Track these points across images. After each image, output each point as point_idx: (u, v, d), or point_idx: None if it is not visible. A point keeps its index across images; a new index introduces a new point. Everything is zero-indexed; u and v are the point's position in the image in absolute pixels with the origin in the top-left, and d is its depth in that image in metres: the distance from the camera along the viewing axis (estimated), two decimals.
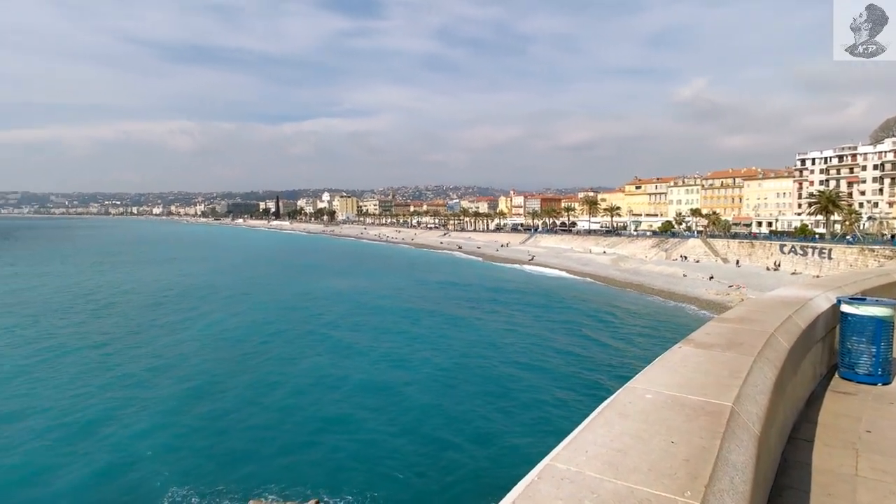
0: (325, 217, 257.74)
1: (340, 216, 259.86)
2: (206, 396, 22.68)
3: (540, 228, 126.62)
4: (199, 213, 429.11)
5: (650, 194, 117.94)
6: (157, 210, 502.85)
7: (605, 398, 2.56)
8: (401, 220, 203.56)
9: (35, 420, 19.98)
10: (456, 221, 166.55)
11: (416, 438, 18.76)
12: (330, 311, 42.79)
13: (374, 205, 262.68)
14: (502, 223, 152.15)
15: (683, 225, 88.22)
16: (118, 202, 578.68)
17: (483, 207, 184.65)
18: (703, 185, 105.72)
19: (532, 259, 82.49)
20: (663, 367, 3.18)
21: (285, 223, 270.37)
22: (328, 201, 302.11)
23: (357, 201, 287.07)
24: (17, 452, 17.50)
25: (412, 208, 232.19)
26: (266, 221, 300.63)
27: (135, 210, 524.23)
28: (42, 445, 17.97)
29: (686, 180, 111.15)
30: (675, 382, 2.85)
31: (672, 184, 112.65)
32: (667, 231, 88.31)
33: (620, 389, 2.69)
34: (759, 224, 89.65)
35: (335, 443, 18.37)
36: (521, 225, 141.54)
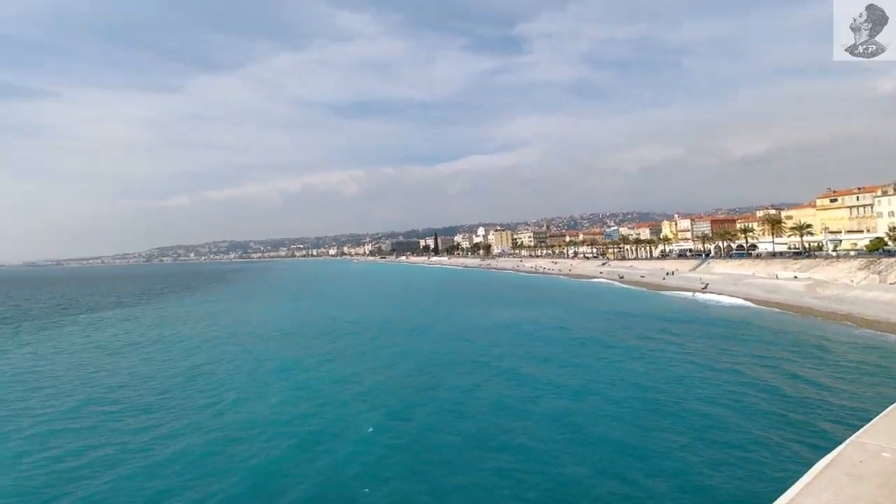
0: (481, 251, 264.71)
1: (496, 249, 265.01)
2: (401, 420, 24.46)
3: (712, 253, 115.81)
4: (367, 252, 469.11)
5: (850, 207, 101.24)
6: (332, 251, 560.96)
7: (822, 449, 2.15)
8: (556, 251, 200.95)
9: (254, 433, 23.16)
10: (616, 250, 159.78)
11: (610, 479, 18.10)
12: (499, 342, 43.59)
13: (529, 237, 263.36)
14: (667, 249, 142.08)
15: None
16: (301, 245, 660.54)
17: (644, 234, 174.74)
18: None
19: (706, 287, 75.55)
20: (891, 420, 2.70)
21: (444, 258, 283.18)
22: (483, 235, 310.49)
23: (511, 234, 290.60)
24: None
25: (567, 238, 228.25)
26: (426, 258, 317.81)
27: (314, 252, 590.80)
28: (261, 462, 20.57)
29: None
30: None
31: (879, 193, 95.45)
32: (878, 249, 74.93)
33: (846, 443, 2.21)
34: None
35: (525, 477, 18.51)
36: (690, 250, 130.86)
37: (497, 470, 18.91)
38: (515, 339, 44.64)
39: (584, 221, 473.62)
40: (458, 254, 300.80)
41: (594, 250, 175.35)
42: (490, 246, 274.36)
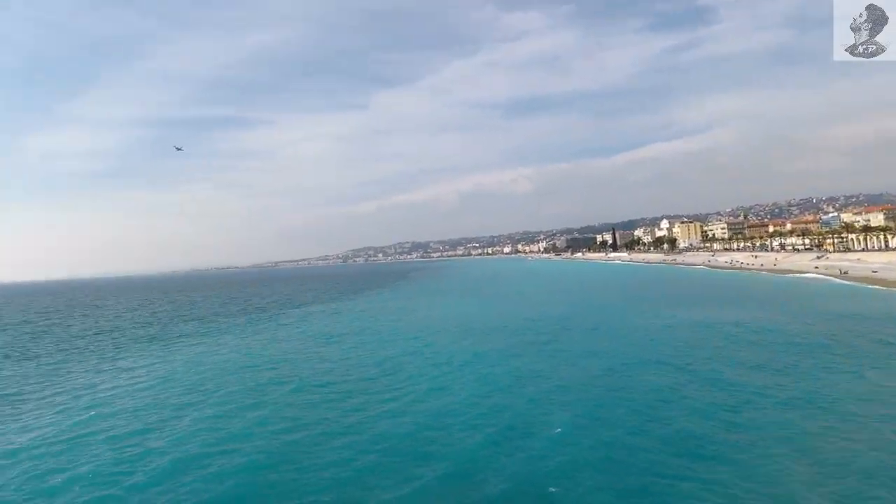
0: (665, 246, 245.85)
1: (682, 244, 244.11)
2: (591, 419, 23.75)
3: None
4: (541, 249, 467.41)
5: None
6: (506, 249, 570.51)
7: None
8: (757, 244, 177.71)
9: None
10: (837, 240, 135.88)
11: None
12: (695, 343, 39.89)
13: (722, 228, 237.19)
14: None
15: None
16: (476, 244, 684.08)
17: (877, 219, 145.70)
18: None
19: None
20: None
21: (623, 254, 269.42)
22: (667, 229, 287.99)
23: (700, 226, 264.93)
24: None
25: (771, 228, 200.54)
26: (604, 254, 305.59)
27: (489, 250, 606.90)
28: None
29: None
30: None
31: None
32: None
33: None
34: None
35: (740, 494, 16.61)
36: None
37: (701, 481, 17.24)
38: (714, 342, 40.39)
39: (793, 209, 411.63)
40: (639, 249, 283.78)
41: (806, 241, 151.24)
42: (675, 240, 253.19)
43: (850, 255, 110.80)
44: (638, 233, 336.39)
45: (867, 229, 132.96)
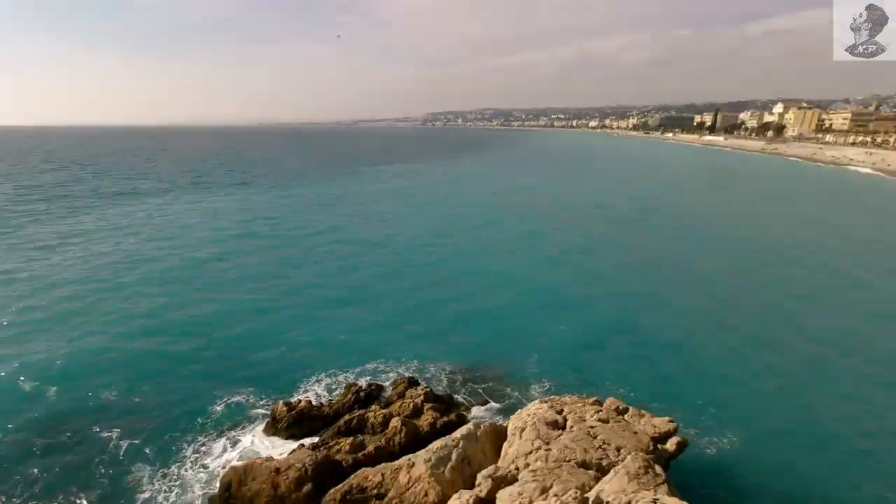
0: (770, 133, 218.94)
1: (791, 132, 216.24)
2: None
3: None
4: (630, 126, 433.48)
5: None
6: (593, 123, 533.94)
7: None
8: (879, 140, 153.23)
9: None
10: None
11: None
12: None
13: (844, 118, 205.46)
14: None
15: None
16: (562, 116, 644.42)
17: None
18: None
19: None
20: None
21: (719, 138, 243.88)
22: (779, 114, 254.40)
23: (819, 114, 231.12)
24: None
25: None
26: (698, 136, 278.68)
27: (574, 123, 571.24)
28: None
29: None
30: None
31: None
32: None
33: None
34: None
35: None
36: None
37: None
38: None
39: None
40: (740, 134, 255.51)
41: None
42: (784, 127, 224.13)
43: None
44: (743, 115, 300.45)
45: None
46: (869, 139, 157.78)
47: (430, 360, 21.81)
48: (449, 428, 16.45)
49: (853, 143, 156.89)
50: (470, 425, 15.17)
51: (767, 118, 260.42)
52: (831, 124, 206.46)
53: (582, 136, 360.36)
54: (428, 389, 18.75)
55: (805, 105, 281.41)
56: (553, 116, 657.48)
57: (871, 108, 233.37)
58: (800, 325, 24.51)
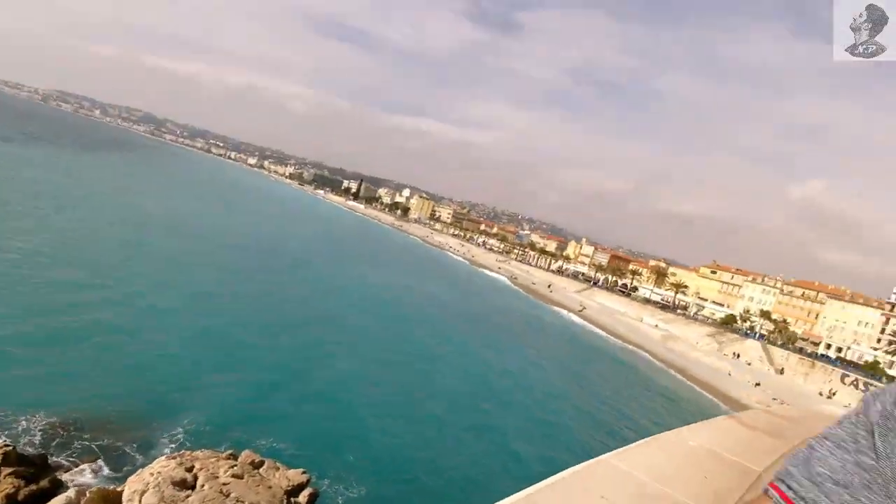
0: (399, 212, 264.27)
1: (413, 215, 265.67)
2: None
3: (599, 283, 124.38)
4: (287, 174, 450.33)
5: (724, 283, 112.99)
6: (251, 160, 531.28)
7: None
8: (467, 236, 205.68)
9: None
10: (521, 252, 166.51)
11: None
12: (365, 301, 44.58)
13: (448, 213, 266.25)
14: (564, 266, 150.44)
15: (747, 324, 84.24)
16: (221, 144, 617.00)
17: (551, 246, 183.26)
18: (781, 290, 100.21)
19: (582, 310, 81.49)
20: (709, 427, 3.49)
21: (360, 206, 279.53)
22: (406, 198, 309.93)
23: (433, 205, 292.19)
24: None
25: (483, 227, 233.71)
26: (344, 199, 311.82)
27: (232, 155, 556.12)
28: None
29: (766, 279, 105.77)
30: (717, 442, 3.15)
31: (750, 279, 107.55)
32: (728, 324, 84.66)
33: (666, 432, 3.05)
34: (828, 346, 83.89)
35: None
36: (583, 274, 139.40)
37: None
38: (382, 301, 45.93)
39: (505, 217, 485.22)
40: (377, 206, 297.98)
41: (503, 246, 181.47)
42: (409, 209, 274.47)
43: (524, 267, 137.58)
44: (381, 192, 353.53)
45: (543, 251, 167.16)
46: (462, 234, 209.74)
47: (23, 408, 16.85)
48: (37, 499, 13.03)
49: (453, 235, 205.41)
50: (70, 493, 12.91)
51: (398, 199, 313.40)
52: (440, 216, 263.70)
53: (239, 171, 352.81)
54: (10, 448, 14.13)
55: (424, 195, 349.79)
56: (212, 141, 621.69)
57: (466, 210, 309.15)
58: (431, 384, 28.43)
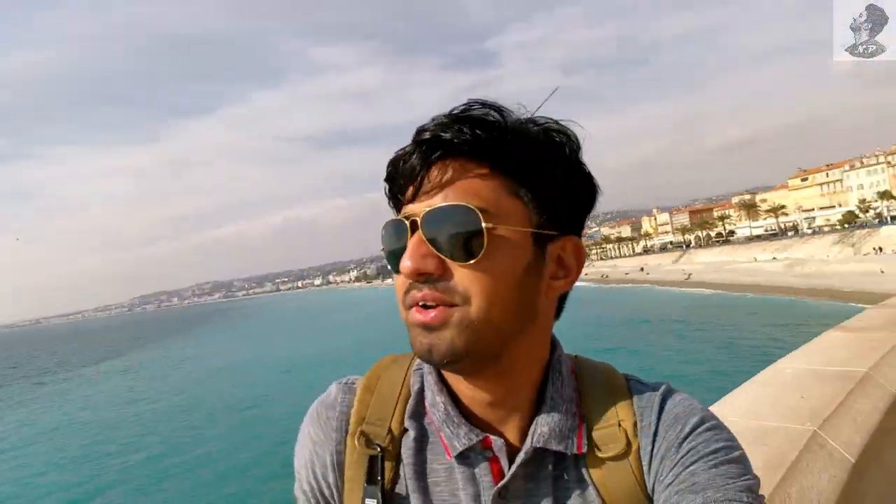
0: None
1: None
2: None
3: (692, 244, 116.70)
4: (352, 278, 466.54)
5: (821, 184, 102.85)
6: (317, 281, 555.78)
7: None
8: None
9: None
10: (599, 250, 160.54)
11: None
12: None
13: None
14: (649, 244, 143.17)
15: (870, 213, 75.27)
16: (286, 278, 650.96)
17: (625, 231, 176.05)
18: (889, 163, 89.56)
19: (689, 277, 75.73)
20: (807, 348, 3.23)
21: None
22: None
23: None
24: None
25: None
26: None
27: (299, 284, 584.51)
28: None
29: (865, 160, 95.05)
30: (816, 360, 2.91)
31: (847, 167, 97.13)
32: (850, 223, 75.96)
33: (761, 372, 2.83)
34: None
35: None
36: (671, 243, 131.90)
37: None
38: None
39: None
40: None
41: None
42: None
43: (609, 263, 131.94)
44: None
45: (619, 240, 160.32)
46: None
47: None
48: None
49: None
50: None
51: None
52: None
53: (312, 295, 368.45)
54: None
55: None
56: (277, 280, 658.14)
57: None
58: None
